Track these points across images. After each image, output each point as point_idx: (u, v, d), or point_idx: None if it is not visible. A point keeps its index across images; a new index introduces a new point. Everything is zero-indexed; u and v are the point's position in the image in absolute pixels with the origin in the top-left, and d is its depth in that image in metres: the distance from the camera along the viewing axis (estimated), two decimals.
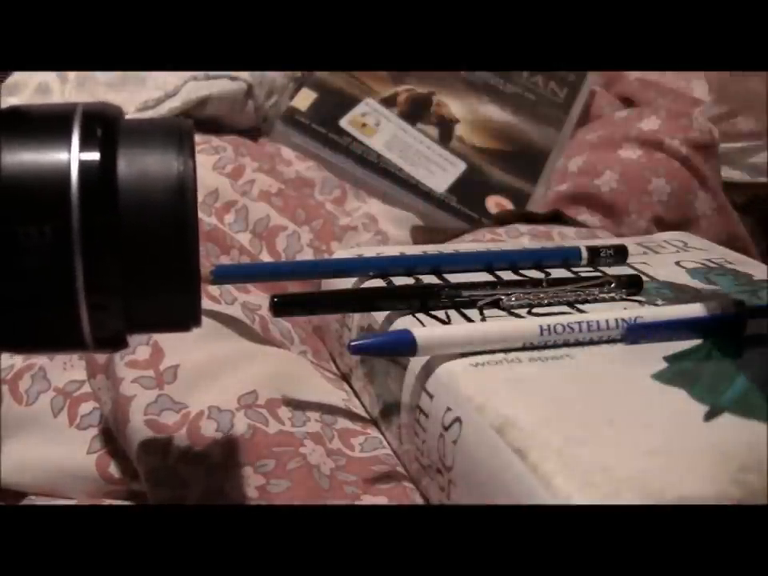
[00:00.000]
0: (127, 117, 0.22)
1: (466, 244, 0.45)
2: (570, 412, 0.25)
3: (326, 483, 0.30)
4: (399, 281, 0.35)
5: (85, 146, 0.20)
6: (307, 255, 0.46)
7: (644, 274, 0.37)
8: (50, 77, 0.52)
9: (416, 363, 0.29)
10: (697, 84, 0.66)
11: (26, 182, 0.19)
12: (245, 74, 0.53)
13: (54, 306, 0.20)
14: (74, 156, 0.20)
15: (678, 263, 0.39)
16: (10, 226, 0.19)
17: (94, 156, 0.20)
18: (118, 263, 0.20)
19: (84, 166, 0.20)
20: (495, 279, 0.35)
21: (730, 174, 0.59)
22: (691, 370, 0.28)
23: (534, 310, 0.32)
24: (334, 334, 0.38)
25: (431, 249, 0.39)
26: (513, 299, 0.32)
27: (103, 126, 0.21)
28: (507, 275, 0.35)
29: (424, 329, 0.29)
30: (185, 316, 0.23)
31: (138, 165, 0.21)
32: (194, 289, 0.22)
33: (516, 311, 0.32)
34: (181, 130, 0.22)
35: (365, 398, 0.35)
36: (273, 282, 0.39)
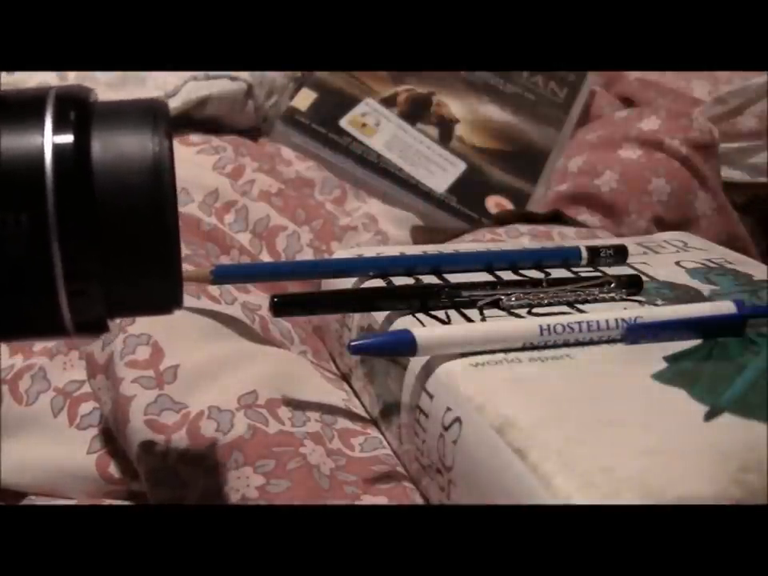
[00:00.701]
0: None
1: (466, 244, 0.45)
2: (570, 412, 0.25)
3: (325, 483, 0.30)
4: (399, 281, 0.35)
5: (58, 129, 0.20)
6: (307, 255, 0.46)
7: (644, 273, 0.37)
8: (49, 77, 0.52)
9: (416, 363, 0.29)
10: (697, 84, 0.66)
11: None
12: (245, 74, 0.53)
13: (33, 294, 0.20)
14: (47, 139, 0.19)
15: (678, 263, 0.39)
16: None
17: (68, 139, 0.20)
18: (96, 248, 0.20)
19: (58, 149, 0.19)
20: (495, 279, 0.35)
21: (730, 173, 0.59)
22: (691, 370, 0.28)
23: (534, 310, 0.32)
24: (334, 333, 0.38)
25: (431, 249, 0.39)
26: (513, 299, 0.32)
27: (76, 108, 0.20)
28: (507, 275, 0.35)
29: (424, 329, 0.29)
30: (166, 298, 0.22)
31: (112, 147, 0.20)
32: (174, 270, 0.21)
33: (516, 311, 0.32)
34: (155, 110, 0.21)
35: (365, 398, 0.35)
36: (273, 282, 0.39)
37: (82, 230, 0.20)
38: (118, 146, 0.20)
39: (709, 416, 0.25)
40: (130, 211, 0.20)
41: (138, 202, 0.20)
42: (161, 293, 0.22)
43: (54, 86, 0.21)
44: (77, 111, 0.20)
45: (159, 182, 0.20)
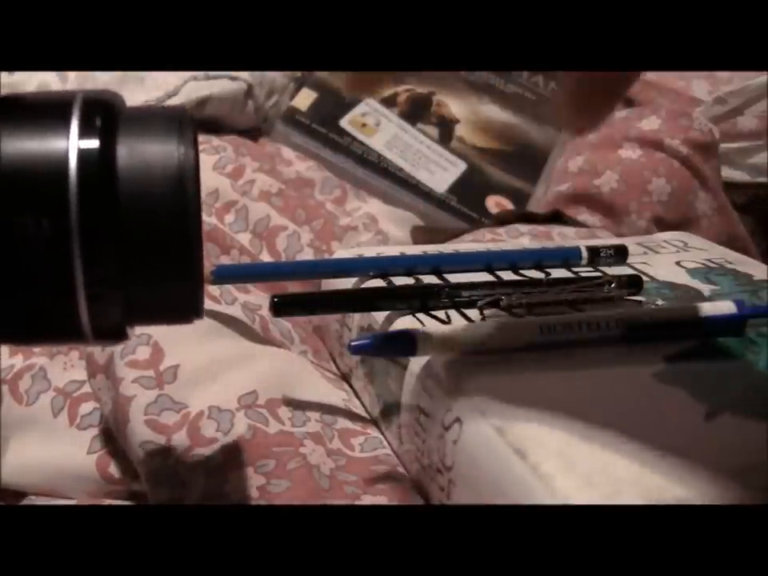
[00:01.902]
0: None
1: (466, 244, 0.45)
2: (570, 412, 0.25)
3: (325, 483, 0.30)
4: (399, 281, 0.35)
5: (84, 133, 0.19)
6: (307, 255, 0.46)
7: (644, 273, 0.37)
8: (49, 77, 0.52)
9: (416, 363, 0.29)
10: (697, 84, 0.66)
11: (23, 171, 0.19)
12: (245, 74, 0.53)
13: (53, 299, 0.20)
14: (72, 144, 0.19)
15: (678, 263, 0.39)
16: (8, 217, 0.19)
17: (93, 144, 0.19)
18: (118, 255, 0.20)
19: (83, 154, 0.19)
20: (495, 279, 0.35)
21: (730, 174, 0.59)
22: (691, 370, 0.28)
23: (534, 310, 0.32)
24: (334, 333, 0.38)
25: (431, 249, 0.39)
26: (513, 299, 0.32)
27: (103, 113, 0.20)
28: (507, 275, 0.36)
29: (424, 329, 0.29)
30: (186, 308, 0.22)
31: (138, 153, 0.20)
32: (195, 280, 0.21)
33: (516, 311, 0.32)
34: (182, 117, 0.21)
35: (365, 398, 0.35)
36: (273, 282, 0.39)
37: (103, 236, 0.19)
38: (143, 153, 0.20)
39: (709, 416, 0.25)
40: (153, 219, 0.20)
41: (161, 210, 0.20)
42: (181, 302, 0.22)
43: (81, 90, 0.21)
44: (103, 116, 0.20)
45: (183, 190, 0.20)
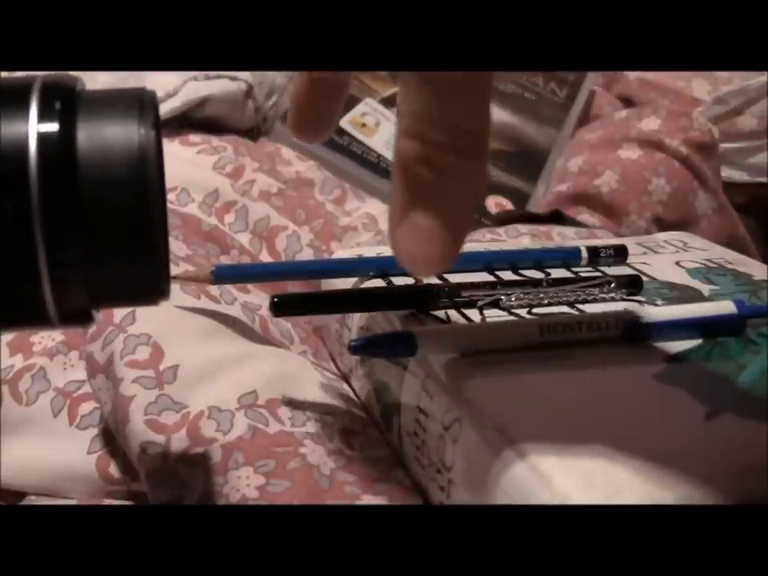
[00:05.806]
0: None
1: (466, 244, 0.45)
2: (570, 412, 0.25)
3: (326, 483, 0.30)
4: (399, 281, 0.35)
5: (43, 118, 0.19)
6: (307, 255, 0.46)
7: (644, 273, 0.37)
8: None
9: (416, 363, 0.29)
10: (697, 84, 0.66)
11: None
12: (245, 74, 0.53)
13: (17, 284, 0.20)
14: (32, 128, 0.19)
15: (678, 263, 0.39)
16: None
17: (53, 128, 0.19)
18: (80, 237, 0.20)
19: (43, 138, 0.19)
20: (495, 279, 0.35)
21: (729, 173, 0.59)
22: (691, 370, 0.28)
23: (534, 310, 0.32)
24: (334, 333, 0.38)
25: None
26: (513, 299, 0.32)
27: (62, 97, 0.20)
28: (507, 275, 0.36)
29: (424, 329, 0.29)
30: (151, 289, 0.22)
31: (98, 136, 0.20)
32: (158, 261, 0.21)
33: (516, 311, 0.32)
34: (142, 99, 0.21)
35: (365, 397, 0.35)
36: (273, 282, 0.39)
37: (65, 220, 0.19)
38: (103, 136, 0.20)
39: (709, 416, 0.25)
40: (114, 201, 0.20)
41: (122, 192, 0.20)
42: (145, 283, 0.22)
43: (40, 75, 0.21)
44: (62, 100, 0.20)
45: (143, 172, 0.20)
